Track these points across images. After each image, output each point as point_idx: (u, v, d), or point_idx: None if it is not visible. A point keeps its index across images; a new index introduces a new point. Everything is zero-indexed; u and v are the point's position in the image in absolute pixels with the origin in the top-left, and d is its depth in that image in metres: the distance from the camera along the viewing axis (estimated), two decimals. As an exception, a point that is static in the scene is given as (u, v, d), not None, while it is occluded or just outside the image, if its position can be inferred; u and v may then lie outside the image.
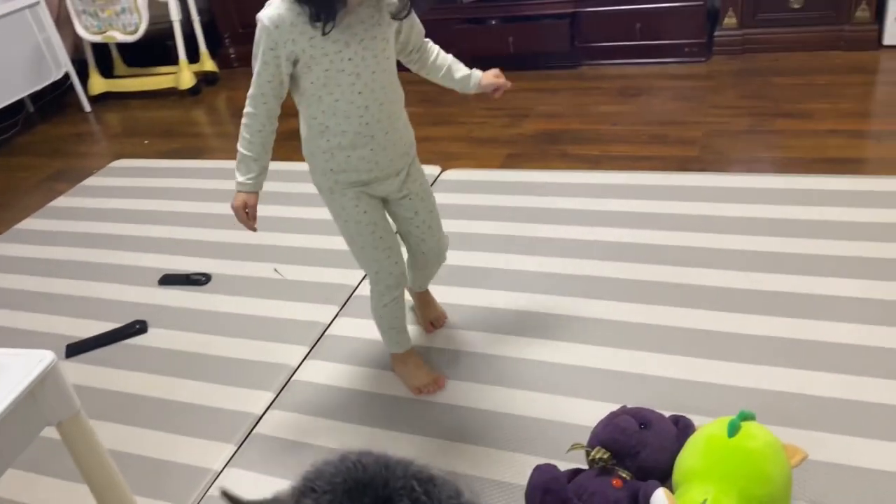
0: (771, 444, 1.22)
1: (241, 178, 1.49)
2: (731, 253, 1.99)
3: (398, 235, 1.66)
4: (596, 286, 1.95)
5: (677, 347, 1.70)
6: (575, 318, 1.84)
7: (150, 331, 2.09)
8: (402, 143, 1.52)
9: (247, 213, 1.50)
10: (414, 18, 1.48)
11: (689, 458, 1.25)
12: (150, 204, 2.83)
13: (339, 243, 2.31)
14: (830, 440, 1.41)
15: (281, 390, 1.79)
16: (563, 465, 1.34)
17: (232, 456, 1.63)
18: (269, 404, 1.76)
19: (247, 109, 1.43)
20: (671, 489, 1.22)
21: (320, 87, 1.39)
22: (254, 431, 1.69)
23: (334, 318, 2.02)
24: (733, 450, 1.21)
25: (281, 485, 1.50)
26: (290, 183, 2.67)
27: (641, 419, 1.34)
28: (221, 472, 1.59)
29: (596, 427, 1.37)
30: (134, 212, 2.78)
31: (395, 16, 1.40)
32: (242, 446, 1.65)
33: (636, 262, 2.02)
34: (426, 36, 1.54)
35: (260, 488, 1.50)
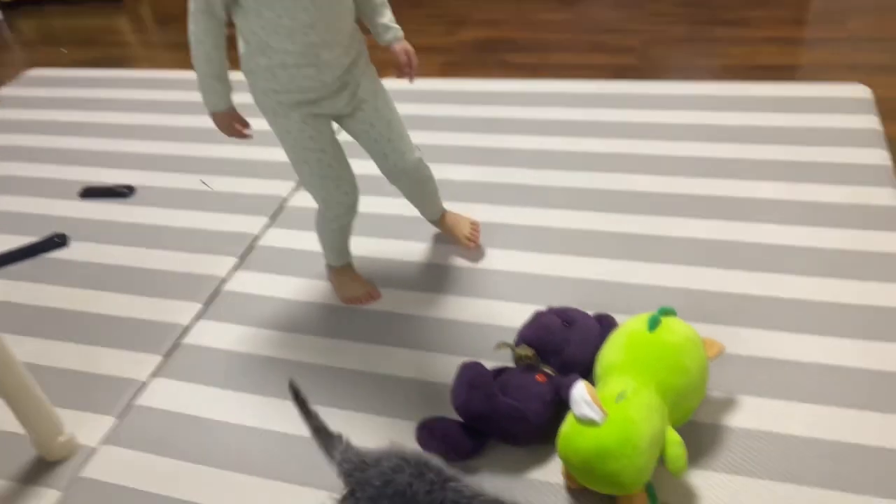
0: (689, 337, 1.25)
1: (209, 101, 1.38)
2: (662, 159, 2.00)
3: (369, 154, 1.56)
4: (528, 194, 1.94)
5: (606, 251, 1.72)
6: (504, 225, 1.84)
7: (72, 244, 2.01)
8: (350, 56, 1.40)
9: (235, 128, 1.42)
10: None
11: (610, 352, 1.28)
12: (69, 115, 2.68)
13: (268, 154, 2.26)
14: (747, 334, 1.45)
15: (210, 301, 1.76)
16: (491, 365, 1.36)
17: (159, 366, 1.60)
18: (197, 315, 1.72)
19: (189, 27, 1.32)
20: (593, 383, 1.25)
21: (260, 2, 1.26)
22: (182, 342, 1.66)
23: (264, 229, 1.97)
24: (652, 343, 1.23)
25: (209, 393, 1.50)
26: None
27: (566, 317, 1.36)
28: (148, 382, 1.57)
29: (522, 327, 1.39)
30: (52, 123, 2.64)
31: None
32: (170, 357, 1.62)
33: (568, 169, 2.01)
34: None
35: (187, 398, 1.51)
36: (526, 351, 1.31)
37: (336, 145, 1.49)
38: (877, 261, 1.58)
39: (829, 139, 1.98)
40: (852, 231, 1.67)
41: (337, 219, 1.56)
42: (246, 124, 1.45)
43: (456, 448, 1.28)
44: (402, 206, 1.77)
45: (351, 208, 1.55)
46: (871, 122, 2.03)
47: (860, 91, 2.17)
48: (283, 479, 1.32)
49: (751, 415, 1.31)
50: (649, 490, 1.19)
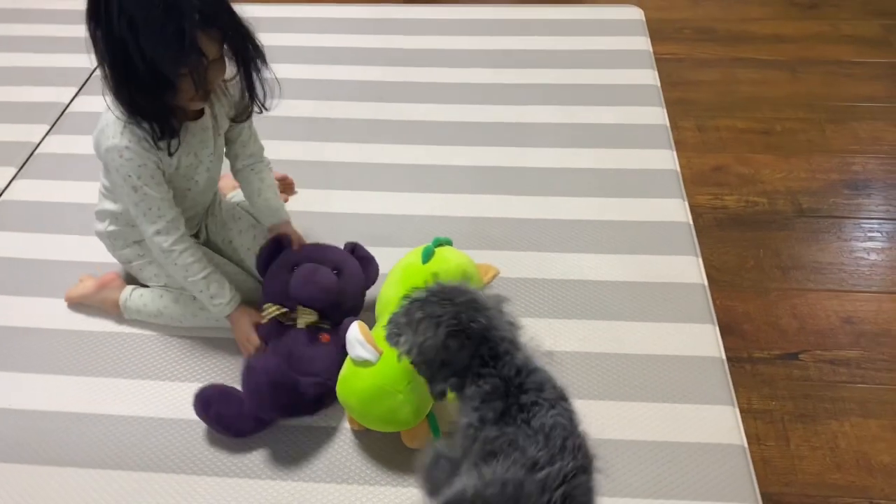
0: (461, 265, 1.24)
1: (218, 303, 1.27)
2: (442, 86, 1.97)
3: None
4: (305, 126, 1.85)
5: (388, 184, 1.68)
6: (279, 161, 1.73)
7: None
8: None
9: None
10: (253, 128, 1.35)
11: (387, 288, 1.25)
12: None
13: (46, 61, 2.09)
14: (525, 257, 1.49)
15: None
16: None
17: None
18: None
19: (165, 245, 1.23)
20: (370, 323, 1.21)
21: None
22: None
23: (45, 136, 1.82)
24: (427, 275, 1.21)
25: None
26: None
27: (333, 265, 1.30)
28: None
29: (293, 286, 1.28)
30: None
31: (235, 119, 1.29)
32: None
33: (351, 100, 1.93)
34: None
35: None
36: (310, 316, 1.25)
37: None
38: (644, 177, 1.67)
39: (603, 61, 2.04)
40: (623, 150, 1.74)
41: None
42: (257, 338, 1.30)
43: (236, 429, 1.20)
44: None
45: None
46: (642, 43, 2.12)
47: (633, 13, 2.25)
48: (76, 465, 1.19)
49: (527, 335, 1.34)
50: (431, 421, 1.19)
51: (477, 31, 2.18)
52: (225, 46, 1.15)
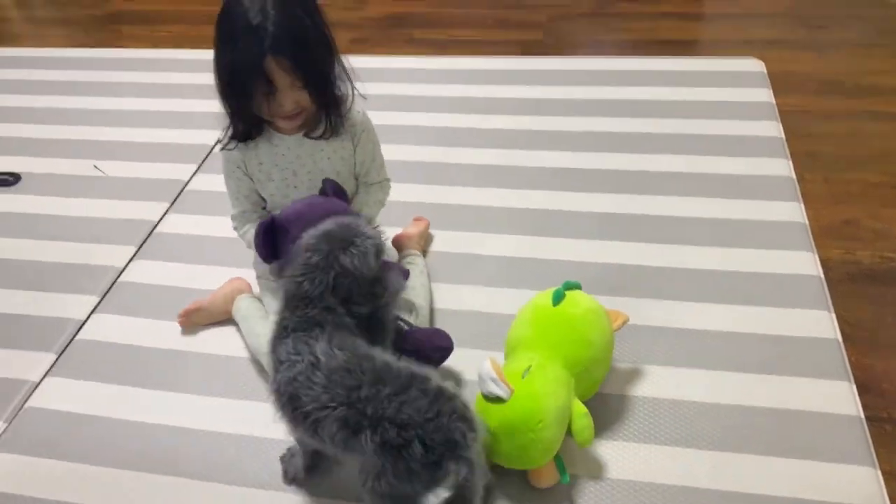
0: (593, 310, 1.26)
1: None
2: (567, 134, 2.02)
3: None
4: (436, 171, 1.93)
5: (514, 227, 1.73)
6: (411, 203, 1.81)
7: (-49, 238, 1.87)
8: None
9: None
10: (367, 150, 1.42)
11: (517, 327, 1.28)
12: (-56, 98, 2.48)
13: (166, 136, 2.17)
14: (649, 304, 1.49)
15: (106, 293, 1.67)
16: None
17: (52, 365, 1.51)
18: (92, 308, 1.63)
19: (233, 226, 1.45)
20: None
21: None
22: (76, 338, 1.57)
23: (164, 214, 1.89)
24: (557, 317, 1.24)
25: (107, 391, 1.43)
26: (108, 72, 2.44)
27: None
28: (40, 382, 1.48)
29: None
30: (-75, 107, 2.44)
31: (308, 135, 1.34)
32: (63, 354, 1.54)
33: (476, 146, 2.01)
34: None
35: (83, 396, 1.43)
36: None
37: None
38: (770, 229, 1.65)
39: (724, 112, 2.04)
40: (747, 201, 1.73)
41: None
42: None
43: None
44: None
45: None
46: (764, 95, 2.11)
47: (754, 65, 2.24)
48: (186, 475, 1.27)
49: (654, 384, 1.35)
50: (558, 462, 1.20)
51: (597, 82, 2.22)
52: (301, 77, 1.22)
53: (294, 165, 1.36)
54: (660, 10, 2.65)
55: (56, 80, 2.48)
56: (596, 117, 2.07)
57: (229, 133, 1.32)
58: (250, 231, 1.37)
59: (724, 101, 2.08)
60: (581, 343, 1.23)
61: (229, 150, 1.34)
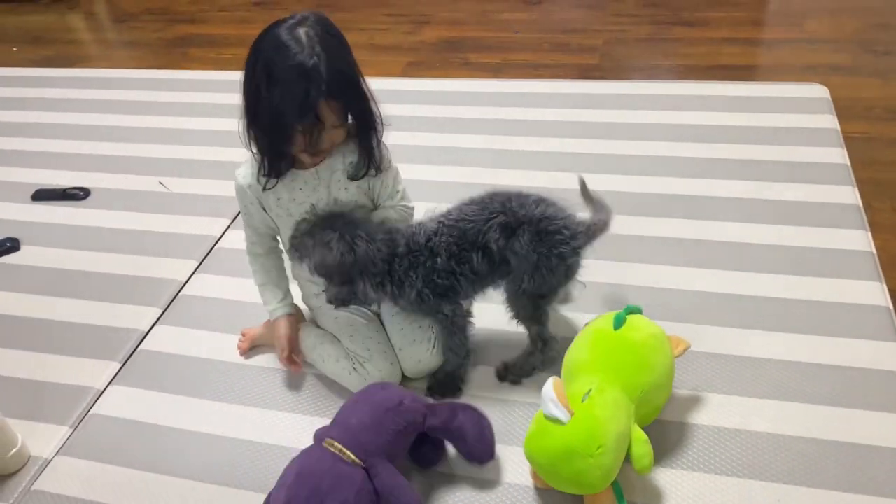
0: (655, 335, 1.25)
1: (268, 306, 1.48)
2: (625, 158, 2.01)
3: None
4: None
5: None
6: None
7: (24, 249, 1.95)
8: None
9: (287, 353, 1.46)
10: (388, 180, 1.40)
11: (577, 350, 1.27)
12: (21, 115, 2.60)
13: (227, 154, 2.22)
14: (711, 331, 1.46)
15: (168, 305, 1.71)
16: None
17: (116, 373, 1.56)
18: (155, 320, 1.68)
19: (248, 256, 1.48)
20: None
21: (282, 212, 1.39)
22: (139, 348, 1.61)
23: (225, 230, 1.93)
24: (618, 341, 1.23)
25: (168, 400, 1.46)
26: (174, 92, 2.51)
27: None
28: (105, 390, 1.52)
29: None
30: (3, 124, 2.55)
31: (351, 177, 1.35)
32: (127, 363, 1.58)
33: (532, 169, 2.01)
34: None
35: (145, 405, 1.46)
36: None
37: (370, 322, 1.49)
38: (836, 257, 1.61)
39: (788, 138, 2.00)
40: (812, 228, 1.69)
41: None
42: (299, 355, 1.48)
43: None
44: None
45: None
46: (828, 121, 2.07)
47: (818, 91, 2.20)
48: (245, 487, 1.29)
49: (716, 412, 1.32)
50: (616, 489, 1.18)
51: (657, 107, 2.21)
52: (347, 116, 1.25)
53: (312, 198, 1.36)
54: (718, 36, 2.63)
55: (125, 100, 2.58)
56: (656, 142, 2.05)
57: (264, 170, 1.31)
58: (255, 268, 1.48)
59: (788, 127, 2.05)
60: (642, 368, 1.21)
61: (269, 189, 1.34)
